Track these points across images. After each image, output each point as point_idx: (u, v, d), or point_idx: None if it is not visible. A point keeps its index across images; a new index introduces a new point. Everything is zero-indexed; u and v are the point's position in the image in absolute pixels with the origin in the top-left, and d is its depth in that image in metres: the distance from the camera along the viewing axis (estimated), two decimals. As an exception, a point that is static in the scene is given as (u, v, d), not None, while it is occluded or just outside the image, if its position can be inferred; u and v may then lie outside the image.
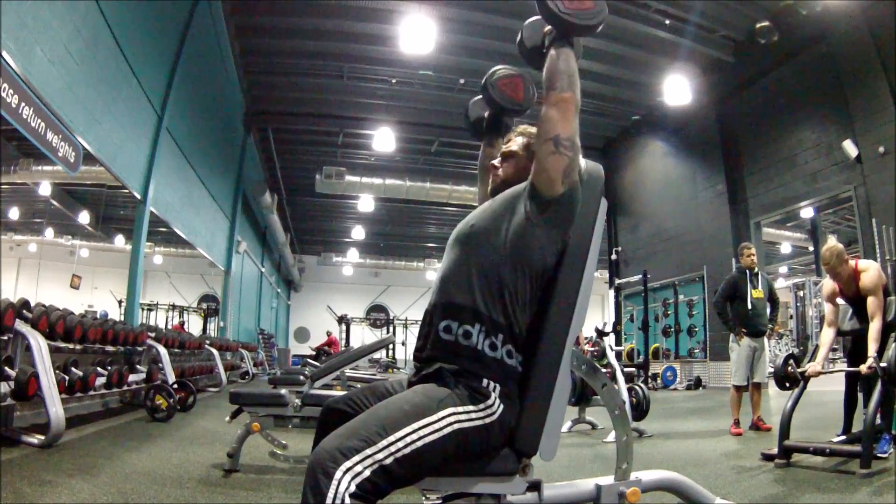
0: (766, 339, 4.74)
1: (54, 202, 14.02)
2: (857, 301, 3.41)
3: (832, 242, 3.53)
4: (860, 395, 3.57)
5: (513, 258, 1.24)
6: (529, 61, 1.48)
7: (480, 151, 1.81)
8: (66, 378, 3.90)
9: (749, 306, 4.62)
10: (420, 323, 1.34)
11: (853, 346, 3.55)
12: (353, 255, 22.36)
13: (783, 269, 19.00)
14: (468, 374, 1.17)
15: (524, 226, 1.25)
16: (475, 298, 1.21)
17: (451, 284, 1.26)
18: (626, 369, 5.06)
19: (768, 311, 4.71)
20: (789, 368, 3.42)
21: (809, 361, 3.48)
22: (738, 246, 5.07)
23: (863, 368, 3.05)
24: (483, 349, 1.19)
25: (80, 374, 4.08)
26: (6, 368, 3.37)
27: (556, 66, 1.27)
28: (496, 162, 1.50)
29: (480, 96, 1.70)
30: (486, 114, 1.76)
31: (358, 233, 18.99)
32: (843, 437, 3.41)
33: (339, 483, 0.95)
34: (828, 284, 3.55)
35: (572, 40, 1.31)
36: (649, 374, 9.94)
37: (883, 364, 2.94)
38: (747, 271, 4.72)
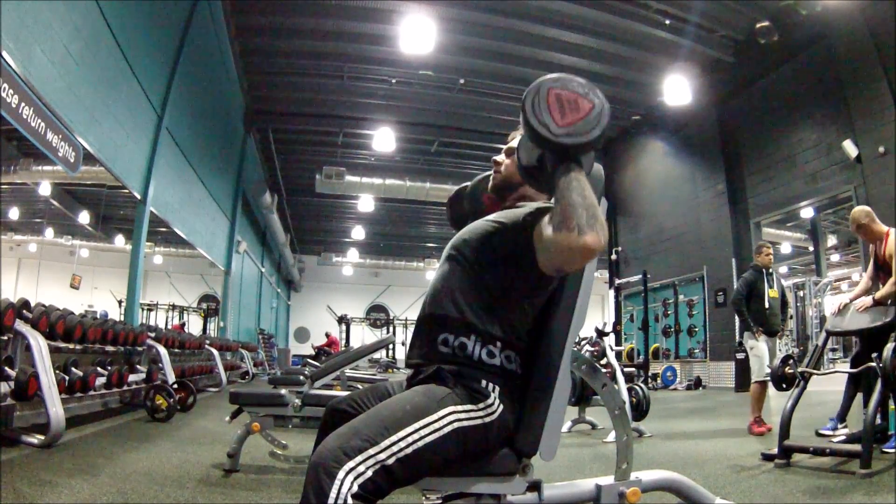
0: (778, 340, 4.69)
1: (54, 202, 14.03)
2: (881, 270, 3.54)
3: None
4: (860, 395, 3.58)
5: (509, 279, 1.22)
6: (534, 185, 1.27)
7: None
8: (66, 378, 3.89)
9: (766, 305, 4.55)
10: (414, 328, 1.32)
11: (861, 347, 3.56)
12: (353, 255, 22.37)
13: (783, 269, 19.00)
14: (467, 375, 1.18)
15: (519, 263, 1.21)
16: (466, 312, 1.21)
17: (443, 297, 1.24)
18: (626, 369, 5.05)
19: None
20: (787, 369, 3.42)
21: (809, 361, 3.48)
22: (736, 245, 5.11)
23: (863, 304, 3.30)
24: (481, 358, 1.19)
25: (80, 374, 4.08)
26: (6, 368, 3.37)
27: (568, 201, 1.01)
28: (498, 158, 1.48)
29: (464, 189, 1.67)
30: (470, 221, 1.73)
31: (358, 233, 18.99)
32: (843, 437, 3.41)
33: (341, 483, 0.95)
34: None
35: (580, 159, 1.09)
36: (649, 374, 9.94)
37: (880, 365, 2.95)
38: (763, 270, 4.66)
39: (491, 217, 1.33)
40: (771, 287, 4.63)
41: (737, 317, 4.91)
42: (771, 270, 4.72)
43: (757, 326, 4.54)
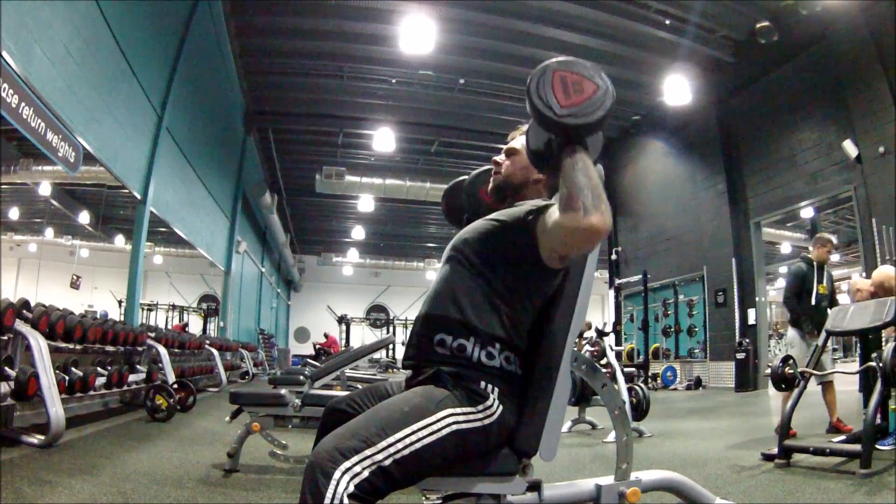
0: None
1: (54, 202, 14.03)
2: None
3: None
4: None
5: (511, 278, 1.22)
6: (541, 170, 1.27)
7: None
8: (66, 378, 3.89)
9: (814, 301, 4.39)
10: (411, 328, 1.31)
11: (862, 349, 3.55)
12: (353, 255, 22.37)
13: (783, 269, 19.00)
14: (466, 377, 1.17)
15: (521, 262, 1.21)
16: (468, 314, 1.20)
17: (444, 299, 1.24)
18: (626, 369, 5.05)
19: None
20: (787, 369, 3.41)
21: (809, 361, 3.48)
22: (736, 245, 4.97)
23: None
24: (480, 359, 1.18)
25: (80, 374, 4.08)
26: (6, 368, 3.37)
27: (573, 182, 1.03)
28: (498, 158, 1.48)
29: (462, 181, 1.66)
30: (465, 216, 1.68)
31: (358, 233, 18.99)
32: (843, 437, 3.41)
33: (337, 483, 0.95)
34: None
35: (585, 142, 1.11)
36: (649, 374, 9.95)
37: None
38: (814, 264, 4.49)
39: (492, 216, 1.32)
40: (821, 283, 4.45)
41: (788, 313, 4.58)
42: (824, 265, 4.53)
43: (809, 326, 4.29)
